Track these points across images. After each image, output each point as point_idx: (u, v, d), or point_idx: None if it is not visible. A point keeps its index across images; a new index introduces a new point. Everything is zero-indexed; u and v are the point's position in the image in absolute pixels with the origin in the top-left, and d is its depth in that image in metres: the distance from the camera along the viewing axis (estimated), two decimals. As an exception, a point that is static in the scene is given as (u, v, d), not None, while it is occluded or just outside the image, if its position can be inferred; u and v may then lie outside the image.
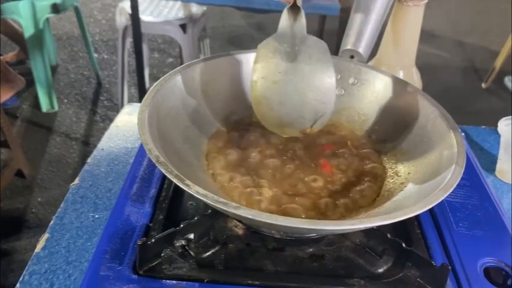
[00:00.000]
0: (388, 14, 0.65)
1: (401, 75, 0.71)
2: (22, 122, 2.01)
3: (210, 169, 0.52)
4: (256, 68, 0.53)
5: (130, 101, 2.11)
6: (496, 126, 0.71)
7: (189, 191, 0.38)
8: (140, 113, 0.46)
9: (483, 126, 0.84)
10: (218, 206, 0.37)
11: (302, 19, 0.51)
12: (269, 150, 0.55)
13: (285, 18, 0.51)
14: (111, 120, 0.78)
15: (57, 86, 2.27)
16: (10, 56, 2.37)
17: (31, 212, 1.52)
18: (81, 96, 2.24)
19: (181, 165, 0.45)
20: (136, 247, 0.43)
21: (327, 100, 0.53)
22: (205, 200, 0.37)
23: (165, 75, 0.53)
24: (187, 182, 0.38)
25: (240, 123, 0.60)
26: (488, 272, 0.48)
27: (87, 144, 1.90)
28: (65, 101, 2.19)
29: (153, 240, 0.44)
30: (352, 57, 0.61)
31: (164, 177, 0.56)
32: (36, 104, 2.08)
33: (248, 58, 0.61)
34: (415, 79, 0.73)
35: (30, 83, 2.09)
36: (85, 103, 2.19)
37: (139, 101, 0.49)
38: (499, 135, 0.70)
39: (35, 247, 0.52)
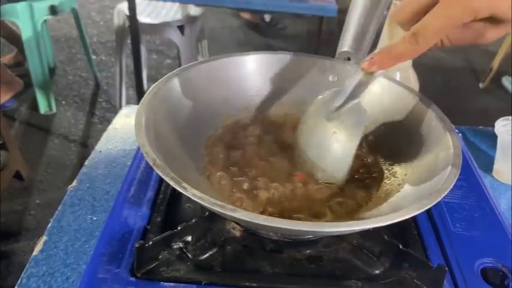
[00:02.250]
0: (384, 16, 0.66)
1: (398, 76, 0.71)
2: (20, 124, 2.01)
3: (207, 171, 0.52)
4: (307, 110, 0.53)
5: (128, 102, 2.11)
6: (494, 126, 0.71)
7: (186, 194, 0.38)
8: (137, 116, 0.46)
9: (480, 127, 0.84)
10: (215, 208, 0.37)
11: (365, 87, 0.48)
12: (266, 152, 0.55)
13: (353, 80, 0.49)
14: (109, 122, 0.78)
15: (55, 88, 2.27)
16: (8, 58, 2.37)
17: (29, 214, 1.52)
18: (79, 98, 2.24)
19: (179, 167, 0.45)
20: (134, 249, 0.43)
21: (339, 169, 0.51)
22: (202, 202, 0.37)
23: (162, 78, 0.53)
24: (184, 184, 0.38)
25: (238, 126, 0.60)
26: (485, 273, 0.48)
27: (85, 146, 1.90)
28: (63, 102, 2.19)
29: (150, 243, 0.44)
30: (348, 59, 0.61)
31: (162, 180, 0.56)
32: (34, 106, 2.08)
33: (245, 60, 0.61)
34: (411, 80, 0.74)
35: (28, 85, 2.09)
36: (83, 105, 2.19)
37: (138, 102, 0.49)
38: (496, 136, 0.71)
39: (33, 249, 0.52)
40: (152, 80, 2.33)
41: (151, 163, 0.40)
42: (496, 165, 0.72)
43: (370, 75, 0.47)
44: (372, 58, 0.45)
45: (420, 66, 0.81)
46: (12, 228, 1.45)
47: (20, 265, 1.31)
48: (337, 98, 0.51)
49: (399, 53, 0.42)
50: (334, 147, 0.51)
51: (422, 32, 0.39)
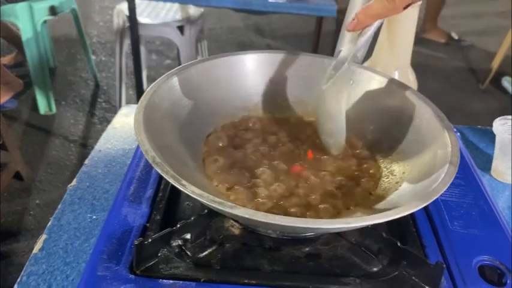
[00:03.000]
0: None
1: (396, 75, 0.71)
2: (20, 124, 2.01)
3: (206, 169, 0.52)
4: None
5: (128, 103, 2.11)
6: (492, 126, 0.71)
7: (185, 191, 0.38)
8: (137, 114, 0.46)
9: (479, 126, 0.84)
10: (214, 205, 0.37)
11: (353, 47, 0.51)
12: (265, 150, 0.55)
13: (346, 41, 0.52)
14: (109, 122, 0.79)
15: (55, 88, 2.27)
16: (8, 58, 2.37)
17: (29, 214, 1.52)
18: (79, 98, 2.24)
19: (178, 165, 0.45)
20: (133, 247, 0.44)
21: (335, 126, 0.54)
22: (201, 199, 0.37)
23: (161, 77, 0.54)
24: (183, 182, 0.38)
25: (237, 124, 0.60)
26: (483, 270, 0.48)
27: (85, 146, 1.90)
28: (63, 103, 2.19)
29: (150, 240, 0.44)
30: (347, 58, 0.61)
31: (161, 178, 0.56)
32: (34, 106, 2.08)
33: (244, 59, 0.61)
34: (410, 79, 0.74)
35: (28, 85, 2.09)
36: (83, 105, 2.19)
37: (137, 102, 0.49)
38: (494, 135, 0.71)
39: (33, 249, 0.52)
40: (152, 80, 2.31)
41: (150, 161, 0.41)
42: (494, 164, 0.72)
43: (354, 42, 0.51)
44: (353, 19, 0.49)
45: (420, 66, 0.81)
46: (12, 228, 1.45)
47: (20, 265, 1.31)
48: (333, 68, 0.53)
49: (376, 11, 0.46)
50: (327, 101, 0.53)
51: None
